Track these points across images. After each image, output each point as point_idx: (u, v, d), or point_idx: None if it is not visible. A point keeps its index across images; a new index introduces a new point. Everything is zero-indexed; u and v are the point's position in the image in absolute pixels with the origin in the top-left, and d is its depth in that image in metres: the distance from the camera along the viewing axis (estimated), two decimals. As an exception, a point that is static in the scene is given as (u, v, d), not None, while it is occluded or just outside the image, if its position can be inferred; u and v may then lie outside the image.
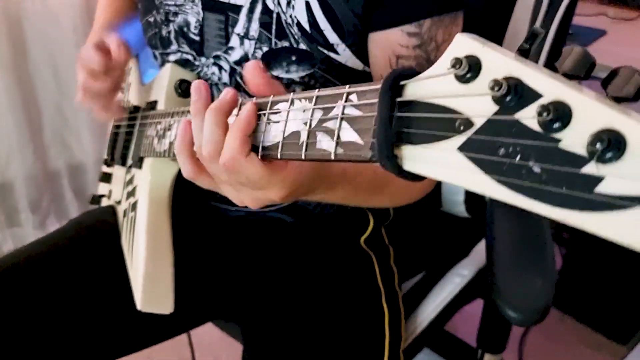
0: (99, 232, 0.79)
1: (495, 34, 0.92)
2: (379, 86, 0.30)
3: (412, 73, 0.29)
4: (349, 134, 0.32)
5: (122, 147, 0.81)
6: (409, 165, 0.28)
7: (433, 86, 0.28)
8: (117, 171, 0.86)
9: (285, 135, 0.38)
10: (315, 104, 0.35)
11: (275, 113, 0.40)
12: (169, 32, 0.73)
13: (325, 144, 0.33)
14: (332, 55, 0.65)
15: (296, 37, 0.64)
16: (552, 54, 0.92)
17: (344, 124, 0.32)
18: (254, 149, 0.41)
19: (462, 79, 0.26)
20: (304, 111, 0.36)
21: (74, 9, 1.65)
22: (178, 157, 0.48)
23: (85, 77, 0.69)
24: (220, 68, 0.71)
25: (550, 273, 0.65)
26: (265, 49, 0.66)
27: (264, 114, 0.41)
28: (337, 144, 0.32)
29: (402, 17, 0.61)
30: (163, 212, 0.70)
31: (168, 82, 0.71)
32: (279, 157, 0.38)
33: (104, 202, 0.89)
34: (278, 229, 0.78)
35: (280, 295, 0.75)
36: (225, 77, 0.70)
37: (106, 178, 0.89)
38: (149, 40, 0.77)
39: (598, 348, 1.51)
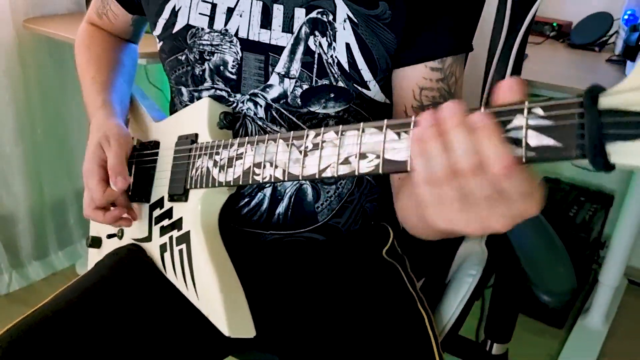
0: (134, 270, 0.76)
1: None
2: (574, 100, 0.37)
3: (600, 89, 0.36)
4: (540, 140, 0.38)
5: (145, 183, 0.80)
6: (616, 159, 0.35)
7: (629, 98, 0.35)
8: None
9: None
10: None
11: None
12: (203, 70, 0.74)
13: (513, 150, 0.39)
14: (365, 91, 0.71)
15: (336, 75, 0.70)
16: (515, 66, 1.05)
17: (531, 132, 0.38)
18: None
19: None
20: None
21: (6, 49, 1.56)
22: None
23: (89, 201, 0.75)
24: (256, 104, 0.73)
25: (567, 261, 0.76)
26: (305, 86, 0.70)
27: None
28: (527, 149, 0.38)
29: (428, 55, 0.69)
30: (218, 240, 0.70)
31: (208, 115, 0.71)
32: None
33: (114, 242, 0.86)
34: (311, 248, 0.81)
35: (317, 318, 0.76)
36: (261, 112, 0.73)
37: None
38: (177, 77, 0.77)
39: (541, 334, 1.69)
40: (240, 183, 0.62)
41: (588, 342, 1.64)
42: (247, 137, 0.63)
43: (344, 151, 0.51)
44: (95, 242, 0.91)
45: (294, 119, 0.73)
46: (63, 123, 1.78)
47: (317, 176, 0.53)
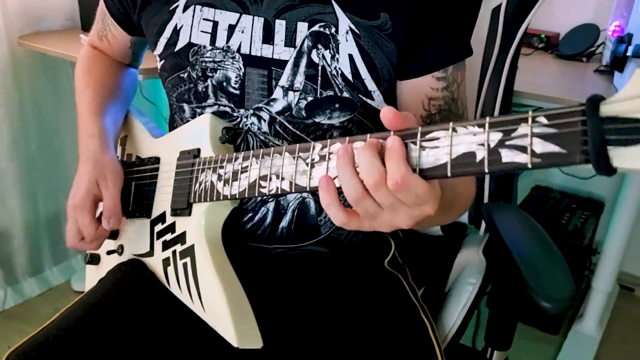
0: (137, 286, 0.77)
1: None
2: (576, 109, 0.38)
3: (600, 98, 0.38)
4: (545, 147, 0.40)
5: (145, 198, 0.80)
6: (618, 163, 0.37)
7: (627, 106, 0.37)
8: (130, 225, 0.83)
9: (454, 156, 0.45)
10: (489, 129, 0.43)
11: (430, 140, 0.46)
12: (206, 87, 0.75)
13: (517, 157, 0.41)
14: (369, 101, 0.73)
15: (340, 86, 0.71)
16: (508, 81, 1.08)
17: (536, 139, 0.40)
18: None
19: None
20: (474, 135, 0.44)
21: (0, 66, 1.56)
22: (329, 210, 0.52)
23: (75, 233, 0.76)
24: (260, 118, 0.74)
25: (565, 267, 0.78)
26: (310, 98, 0.72)
27: (413, 142, 0.47)
28: (533, 155, 0.40)
29: (432, 65, 0.72)
30: (222, 252, 0.71)
31: (210, 130, 0.72)
32: (449, 175, 0.45)
33: (114, 258, 0.86)
34: (315, 261, 0.82)
35: (323, 329, 0.76)
36: (265, 127, 0.74)
37: (114, 234, 0.86)
38: (179, 95, 0.78)
39: (537, 340, 1.70)
40: (247, 196, 0.63)
41: (583, 347, 1.66)
42: (251, 151, 0.63)
43: None
44: (94, 259, 0.91)
45: (298, 132, 0.74)
46: (58, 138, 1.78)
47: None
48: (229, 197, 0.65)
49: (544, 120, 0.40)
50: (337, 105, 0.72)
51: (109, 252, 0.86)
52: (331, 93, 0.71)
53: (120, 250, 0.85)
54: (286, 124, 0.74)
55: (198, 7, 0.74)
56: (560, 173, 1.99)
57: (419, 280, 1.01)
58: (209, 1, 0.73)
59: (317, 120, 0.73)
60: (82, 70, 0.91)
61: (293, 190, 0.58)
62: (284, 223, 0.78)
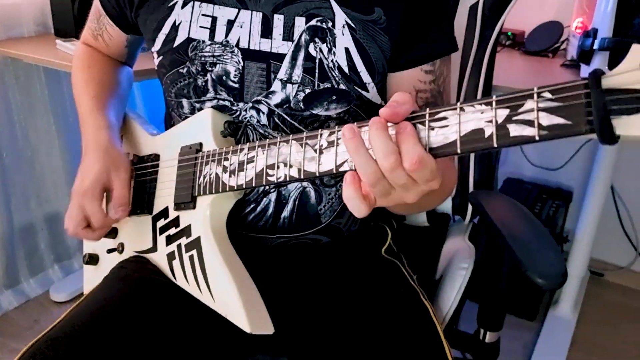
0: (143, 282, 0.77)
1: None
2: (579, 82, 0.42)
3: (601, 72, 0.42)
4: (550, 120, 0.43)
5: (146, 195, 0.81)
6: (620, 131, 0.40)
7: (626, 78, 0.40)
8: (130, 222, 0.84)
9: (463, 134, 0.48)
10: (496, 106, 0.46)
11: (439, 120, 0.49)
12: (206, 81, 0.76)
13: (525, 131, 0.44)
14: (364, 93, 0.76)
15: (337, 79, 0.74)
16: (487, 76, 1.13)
17: (542, 113, 0.43)
18: None
19: (647, 71, 0.39)
20: (482, 113, 0.47)
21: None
22: (351, 202, 0.53)
23: (80, 220, 0.75)
24: (259, 111, 0.76)
25: (555, 246, 0.82)
26: (307, 90, 0.74)
27: (421, 123, 0.50)
28: (540, 128, 0.43)
29: (422, 58, 0.75)
30: (228, 243, 0.72)
31: (212, 124, 0.74)
32: (459, 151, 0.48)
33: (114, 256, 0.86)
34: (315, 249, 0.84)
35: (328, 316, 0.78)
36: (264, 119, 0.76)
37: (113, 233, 0.86)
38: (178, 90, 0.79)
39: (515, 327, 1.76)
40: (254, 185, 0.65)
41: (560, 331, 1.73)
42: (257, 142, 0.65)
43: None
44: (92, 260, 0.91)
45: (296, 124, 0.76)
46: (30, 147, 1.75)
47: (334, 171, 0.57)
48: (235, 187, 0.67)
49: (548, 95, 0.44)
50: (334, 97, 0.75)
51: (109, 251, 0.86)
52: (328, 85, 0.74)
53: (120, 248, 0.85)
54: (284, 116, 0.76)
55: (197, 3, 0.75)
56: (531, 165, 2.06)
57: (411, 268, 1.05)
58: None
59: (314, 111, 0.75)
60: (81, 65, 0.91)
61: (302, 177, 0.60)
62: (285, 213, 0.80)
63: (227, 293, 0.68)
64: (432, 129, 0.50)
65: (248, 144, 0.67)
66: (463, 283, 0.94)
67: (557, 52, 1.74)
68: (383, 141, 0.50)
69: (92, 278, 0.92)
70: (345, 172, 0.55)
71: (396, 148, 0.50)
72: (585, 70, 1.42)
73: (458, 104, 0.48)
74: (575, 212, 1.88)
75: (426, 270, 1.08)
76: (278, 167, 0.62)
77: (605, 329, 1.79)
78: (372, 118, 0.52)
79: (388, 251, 0.89)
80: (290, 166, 0.61)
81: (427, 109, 0.50)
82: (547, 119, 0.43)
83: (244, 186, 0.66)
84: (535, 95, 0.44)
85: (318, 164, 0.58)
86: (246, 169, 0.66)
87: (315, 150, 0.58)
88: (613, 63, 1.29)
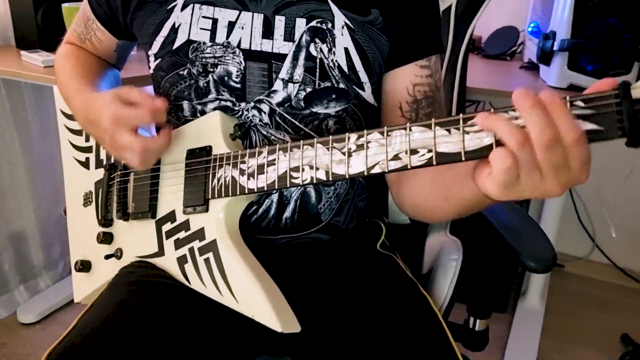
0: (152, 287, 0.76)
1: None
2: (610, 93, 0.46)
3: (629, 83, 0.46)
4: (584, 125, 0.47)
5: (149, 200, 0.80)
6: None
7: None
8: (129, 227, 0.83)
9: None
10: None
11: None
12: (208, 82, 0.77)
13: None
14: (360, 92, 0.78)
15: (337, 78, 0.76)
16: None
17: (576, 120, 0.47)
18: None
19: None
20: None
21: None
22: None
23: (131, 130, 0.68)
24: (260, 110, 0.77)
25: (542, 232, 0.87)
26: (308, 89, 0.76)
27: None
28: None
29: (417, 54, 0.79)
30: (243, 244, 0.73)
31: (222, 127, 0.74)
32: None
33: (112, 262, 0.84)
34: (317, 247, 0.86)
35: (331, 315, 0.79)
36: (266, 118, 0.77)
37: (108, 239, 0.85)
38: (179, 92, 0.79)
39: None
40: (276, 187, 0.66)
41: (530, 321, 1.81)
42: (277, 145, 0.66)
43: (392, 149, 0.57)
44: (85, 267, 0.89)
45: (297, 122, 0.78)
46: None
47: (365, 173, 0.58)
48: (255, 190, 0.67)
49: (580, 103, 0.48)
50: (333, 96, 0.77)
51: (107, 257, 0.84)
52: (329, 84, 0.76)
53: (119, 253, 0.84)
54: (285, 114, 0.77)
55: (197, 6, 0.76)
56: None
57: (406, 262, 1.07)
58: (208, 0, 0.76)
59: (314, 110, 0.77)
60: (67, 56, 0.90)
61: (330, 179, 0.61)
62: (287, 213, 0.82)
63: (252, 294, 0.68)
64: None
65: (267, 147, 0.67)
66: (455, 273, 0.97)
67: (514, 55, 1.84)
68: (543, 116, 0.47)
69: (84, 285, 0.90)
70: (376, 174, 0.57)
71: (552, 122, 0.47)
72: (545, 71, 1.50)
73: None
74: (537, 208, 1.97)
75: (412, 266, 1.11)
76: (303, 170, 0.63)
77: (571, 316, 1.88)
78: (545, 94, 0.48)
79: (383, 246, 0.92)
80: (317, 169, 0.62)
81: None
82: (580, 125, 0.47)
83: (265, 189, 0.67)
84: (568, 104, 0.48)
85: (348, 166, 0.60)
86: (267, 172, 0.67)
87: (343, 153, 0.60)
88: (572, 63, 1.38)
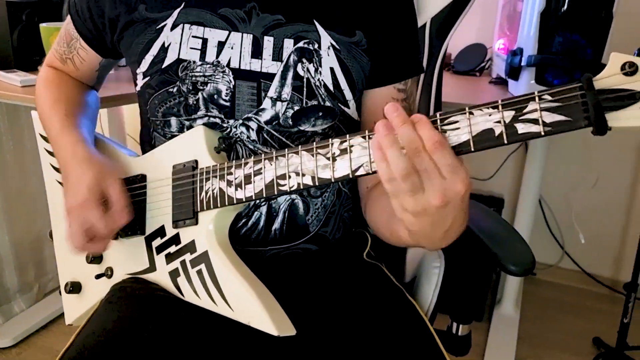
0: (150, 298, 0.77)
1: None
2: (575, 85, 0.50)
3: (591, 76, 0.50)
4: (553, 117, 0.51)
5: (136, 216, 0.80)
6: (612, 124, 0.49)
7: (611, 81, 0.49)
8: (118, 245, 0.83)
9: (474, 134, 0.54)
10: (502, 109, 0.53)
11: (450, 124, 0.56)
12: (197, 100, 0.79)
13: (531, 128, 0.51)
14: (346, 109, 0.82)
15: (323, 96, 0.79)
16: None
17: (545, 113, 0.51)
18: None
19: (629, 74, 0.48)
20: (489, 115, 0.54)
21: None
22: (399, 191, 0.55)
23: (82, 235, 0.73)
24: (249, 128, 0.80)
25: (520, 238, 0.91)
26: (296, 108, 0.79)
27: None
28: (544, 125, 0.51)
29: (395, 77, 0.83)
30: (234, 253, 0.75)
31: (206, 141, 0.76)
32: (472, 149, 0.54)
33: (103, 282, 0.85)
34: (305, 258, 0.88)
35: (323, 324, 0.80)
36: (253, 135, 0.80)
37: (98, 259, 0.86)
38: (167, 109, 0.81)
39: (467, 328, 1.86)
40: (264, 195, 0.68)
41: (506, 328, 1.86)
42: (262, 154, 0.69)
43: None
44: (75, 288, 0.89)
45: (284, 139, 0.80)
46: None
47: (350, 176, 0.61)
48: (243, 199, 0.70)
49: (548, 97, 0.51)
50: (320, 114, 0.80)
51: (98, 276, 0.85)
52: (315, 102, 0.79)
53: (109, 272, 0.84)
54: (273, 132, 0.80)
55: (187, 26, 0.78)
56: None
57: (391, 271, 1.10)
58: (198, 20, 0.78)
59: (302, 128, 0.80)
60: (49, 85, 0.90)
61: (317, 184, 0.64)
62: (276, 225, 0.84)
63: (246, 301, 0.70)
64: (445, 131, 0.56)
65: (253, 157, 0.70)
66: (439, 280, 1.00)
67: (483, 71, 1.91)
68: (409, 130, 0.54)
69: (75, 307, 0.90)
70: (360, 175, 0.60)
71: (418, 136, 0.54)
72: (513, 86, 1.57)
73: (467, 108, 0.55)
74: (507, 217, 2.04)
75: (396, 274, 1.14)
76: (289, 177, 0.66)
77: (545, 322, 1.94)
78: (383, 122, 0.55)
79: (369, 255, 0.95)
80: (303, 175, 0.65)
81: (438, 114, 0.57)
82: (549, 117, 0.51)
83: (253, 197, 0.69)
84: (536, 98, 0.52)
85: (333, 170, 0.62)
86: (254, 181, 0.69)
87: (328, 158, 0.63)
88: (539, 77, 1.44)
